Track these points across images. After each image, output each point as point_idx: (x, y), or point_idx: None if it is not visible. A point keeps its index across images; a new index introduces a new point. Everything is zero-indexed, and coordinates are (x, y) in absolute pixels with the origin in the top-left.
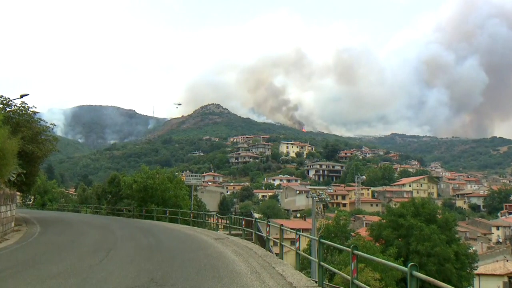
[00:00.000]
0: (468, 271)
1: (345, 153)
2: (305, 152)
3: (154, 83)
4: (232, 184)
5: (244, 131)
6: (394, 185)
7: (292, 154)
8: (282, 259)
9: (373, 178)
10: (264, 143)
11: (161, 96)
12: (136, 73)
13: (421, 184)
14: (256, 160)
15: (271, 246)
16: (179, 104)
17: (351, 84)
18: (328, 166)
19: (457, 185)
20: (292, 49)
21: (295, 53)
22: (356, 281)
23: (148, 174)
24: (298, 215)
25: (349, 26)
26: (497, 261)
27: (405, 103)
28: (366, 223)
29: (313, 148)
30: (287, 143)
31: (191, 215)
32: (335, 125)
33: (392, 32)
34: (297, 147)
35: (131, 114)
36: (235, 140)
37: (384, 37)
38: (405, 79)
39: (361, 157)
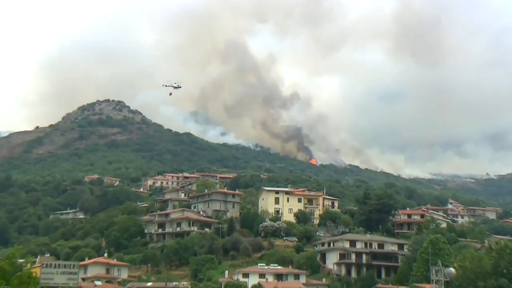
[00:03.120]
0: None
1: (408, 215)
2: (316, 212)
3: None
4: (150, 284)
5: (178, 162)
6: None
7: (288, 216)
8: None
9: (473, 273)
10: (225, 190)
11: None
12: None
13: None
14: (206, 229)
15: None
16: (178, 87)
17: (426, 63)
18: (370, 245)
19: None
20: None
21: None
22: None
23: None
24: None
25: None
26: None
27: None
28: None
29: (335, 203)
30: (277, 191)
31: None
32: (383, 148)
33: None
34: (299, 200)
35: None
36: (157, 184)
37: None
38: None
39: (444, 225)
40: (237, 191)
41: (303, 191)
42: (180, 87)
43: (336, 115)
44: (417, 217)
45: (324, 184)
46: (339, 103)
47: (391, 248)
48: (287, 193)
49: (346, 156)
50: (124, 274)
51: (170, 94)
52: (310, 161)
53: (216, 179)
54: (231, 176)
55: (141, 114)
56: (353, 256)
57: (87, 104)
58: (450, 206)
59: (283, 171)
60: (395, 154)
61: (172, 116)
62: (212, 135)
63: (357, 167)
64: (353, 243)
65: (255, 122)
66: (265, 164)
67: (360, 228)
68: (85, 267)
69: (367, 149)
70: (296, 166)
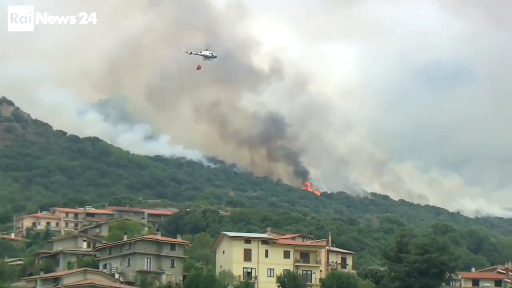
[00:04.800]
0: None
1: (473, 280)
2: (316, 275)
3: None
4: None
5: (77, 188)
6: None
7: (267, 282)
8: None
9: None
10: (158, 237)
11: None
12: None
13: None
14: None
15: None
16: (212, 56)
17: (507, 25)
18: None
19: None
20: None
21: None
22: None
23: None
24: None
25: None
26: None
27: None
28: None
29: (348, 260)
30: (248, 239)
31: None
32: (426, 163)
33: None
34: (286, 255)
35: None
36: (40, 226)
37: None
38: None
39: None
40: (179, 239)
41: (293, 238)
42: (215, 56)
43: (347, 106)
44: (489, 285)
45: (329, 227)
46: (355, 87)
47: None
48: (265, 242)
49: (359, 174)
50: None
51: (199, 68)
52: (305, 188)
53: (143, 218)
54: (168, 213)
55: (13, 104)
56: None
57: None
58: None
59: (258, 203)
60: (446, 174)
61: (65, 107)
62: (133, 140)
63: (385, 197)
64: None
65: (199, 111)
66: (227, 192)
67: None
68: None
69: (397, 163)
70: (281, 195)
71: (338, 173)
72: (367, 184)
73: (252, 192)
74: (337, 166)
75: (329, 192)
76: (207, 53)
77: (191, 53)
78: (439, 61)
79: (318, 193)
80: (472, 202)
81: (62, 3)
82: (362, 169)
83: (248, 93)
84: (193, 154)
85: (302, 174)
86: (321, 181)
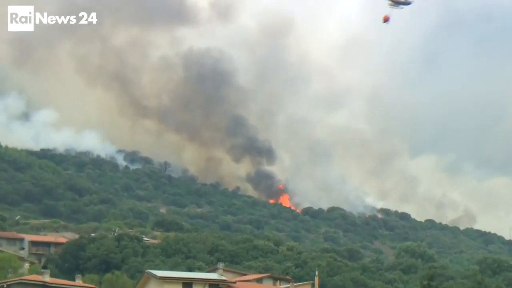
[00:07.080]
0: None
1: None
2: None
3: None
4: None
5: None
6: None
7: None
8: None
9: None
10: (46, 280)
11: None
12: None
13: None
14: None
15: None
16: (405, 2)
17: None
18: None
19: None
20: None
21: None
22: None
23: None
24: None
25: None
26: None
27: None
28: None
29: None
30: (188, 281)
31: None
32: (459, 157)
33: None
34: None
35: None
36: None
37: None
38: None
39: None
40: (78, 281)
41: (259, 280)
42: (410, 2)
43: (341, 67)
44: None
45: (315, 263)
46: (355, 41)
47: None
48: (215, 285)
49: (346, 170)
50: None
51: (386, 20)
52: (272, 201)
53: (23, 248)
54: (62, 240)
55: None
56: None
57: None
58: None
59: (205, 225)
60: (487, 176)
61: None
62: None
63: (404, 216)
64: None
65: (89, 70)
66: (155, 207)
67: None
68: None
69: (410, 158)
70: (240, 212)
71: (314, 167)
72: (357, 185)
73: (195, 207)
74: (314, 156)
75: (315, 208)
76: None
77: None
78: (492, 7)
79: (298, 210)
80: None
81: (62, 3)
82: (352, 164)
83: (169, 41)
84: (95, 144)
85: (264, 153)
86: (289, 179)
